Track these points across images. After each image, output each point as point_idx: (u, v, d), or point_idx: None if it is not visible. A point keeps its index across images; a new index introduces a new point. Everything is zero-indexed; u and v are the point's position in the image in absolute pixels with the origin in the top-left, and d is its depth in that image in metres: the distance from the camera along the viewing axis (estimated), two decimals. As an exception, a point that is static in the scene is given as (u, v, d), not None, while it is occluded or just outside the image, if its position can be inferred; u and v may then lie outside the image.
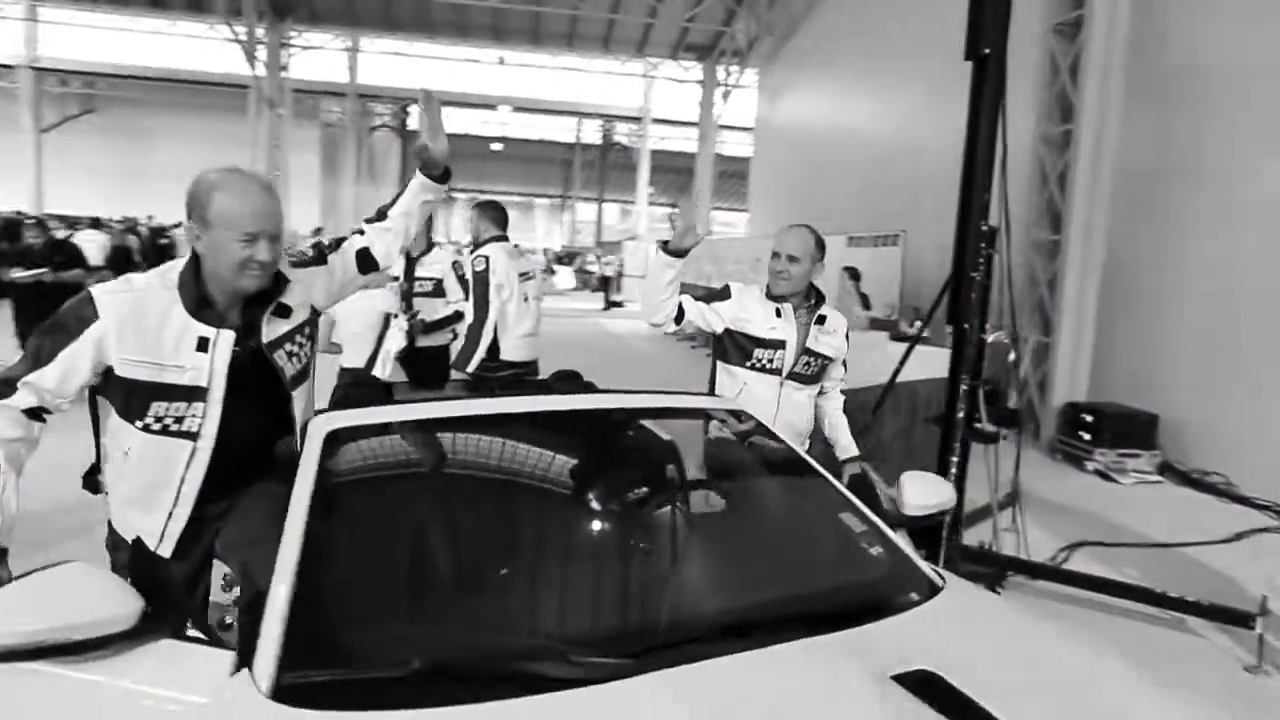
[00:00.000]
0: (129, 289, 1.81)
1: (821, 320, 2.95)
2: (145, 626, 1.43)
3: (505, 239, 4.50)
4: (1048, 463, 6.92)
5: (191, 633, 1.54)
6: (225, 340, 1.83)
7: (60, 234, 7.74)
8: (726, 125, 22.46)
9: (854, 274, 7.34)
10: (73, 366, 1.74)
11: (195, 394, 1.82)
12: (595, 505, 1.95)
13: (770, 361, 2.86)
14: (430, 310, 4.58)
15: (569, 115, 29.90)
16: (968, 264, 3.93)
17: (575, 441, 2.11)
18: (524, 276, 4.46)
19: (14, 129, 22.60)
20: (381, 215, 2.20)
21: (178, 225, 16.48)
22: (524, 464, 2.04)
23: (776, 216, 17.44)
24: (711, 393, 2.93)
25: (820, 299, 2.97)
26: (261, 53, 18.38)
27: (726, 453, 2.47)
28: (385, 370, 4.32)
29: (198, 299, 1.82)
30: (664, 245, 2.76)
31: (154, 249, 14.29)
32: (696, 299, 2.92)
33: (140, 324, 1.77)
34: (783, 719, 1.33)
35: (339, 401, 2.71)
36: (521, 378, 4.34)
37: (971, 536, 4.29)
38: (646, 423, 2.39)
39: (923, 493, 2.32)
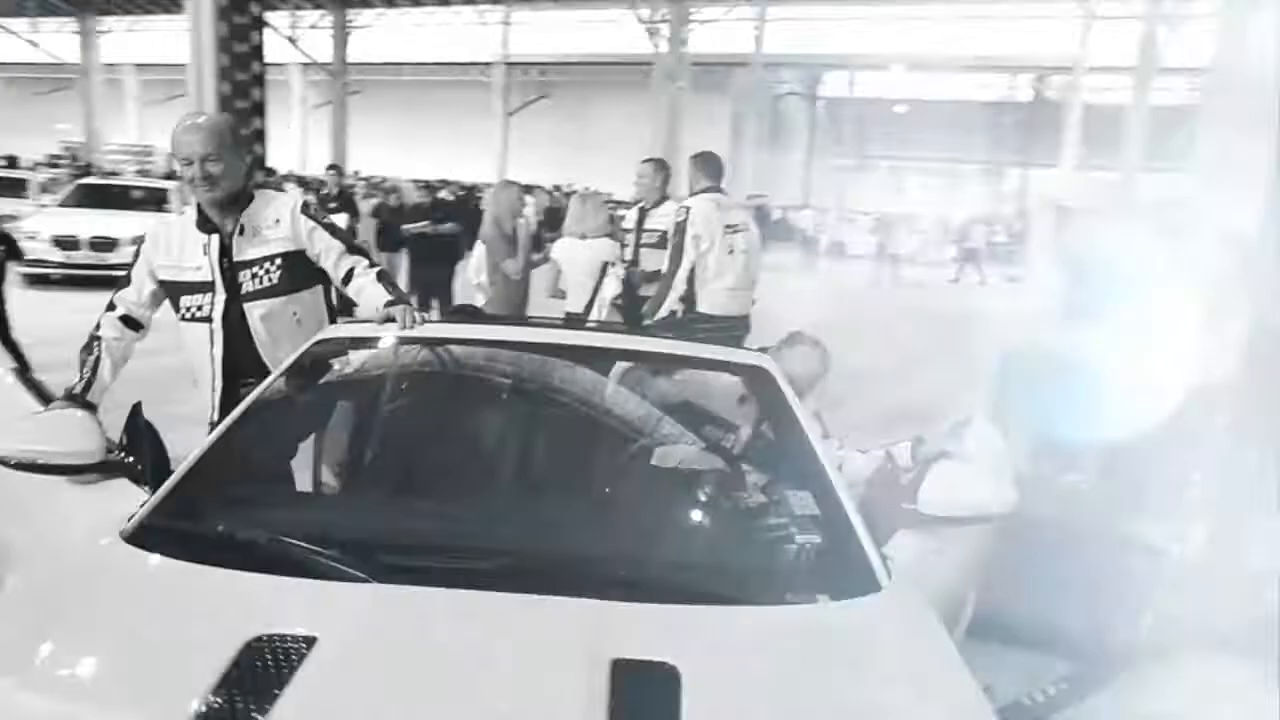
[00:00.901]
0: (166, 219, 2.49)
1: None
2: (107, 465, 1.83)
3: (718, 190, 4.41)
4: None
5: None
6: (214, 243, 2.35)
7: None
8: (1178, 68, 18.51)
9: None
10: (140, 280, 2.40)
11: (207, 287, 2.36)
12: (506, 433, 1.94)
13: None
14: (656, 261, 4.70)
15: (979, 71, 27.26)
16: None
17: (535, 371, 2.10)
18: (731, 229, 4.33)
19: (487, 114, 27.83)
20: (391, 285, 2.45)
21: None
22: (466, 384, 2.10)
23: (1229, 174, 13.94)
24: None
25: None
26: (666, 29, 19.96)
27: (708, 407, 2.22)
28: (601, 314, 4.57)
29: (201, 216, 2.36)
30: None
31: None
32: None
33: (167, 241, 2.38)
34: (443, 658, 1.29)
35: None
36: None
37: None
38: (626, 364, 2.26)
39: (947, 490, 1.85)
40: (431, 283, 8.14)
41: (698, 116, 23.65)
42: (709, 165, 4.47)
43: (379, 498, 1.79)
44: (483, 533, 1.67)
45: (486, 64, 27.64)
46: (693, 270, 4.26)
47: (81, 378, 2.29)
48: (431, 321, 2.32)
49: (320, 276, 2.51)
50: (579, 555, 1.58)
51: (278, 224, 2.39)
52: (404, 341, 2.17)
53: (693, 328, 4.30)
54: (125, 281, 2.43)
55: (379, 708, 1.17)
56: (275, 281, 2.39)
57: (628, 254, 4.89)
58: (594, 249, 4.60)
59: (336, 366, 2.17)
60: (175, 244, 2.39)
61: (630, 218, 4.97)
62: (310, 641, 1.26)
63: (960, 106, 31.10)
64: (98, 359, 2.32)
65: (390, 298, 2.33)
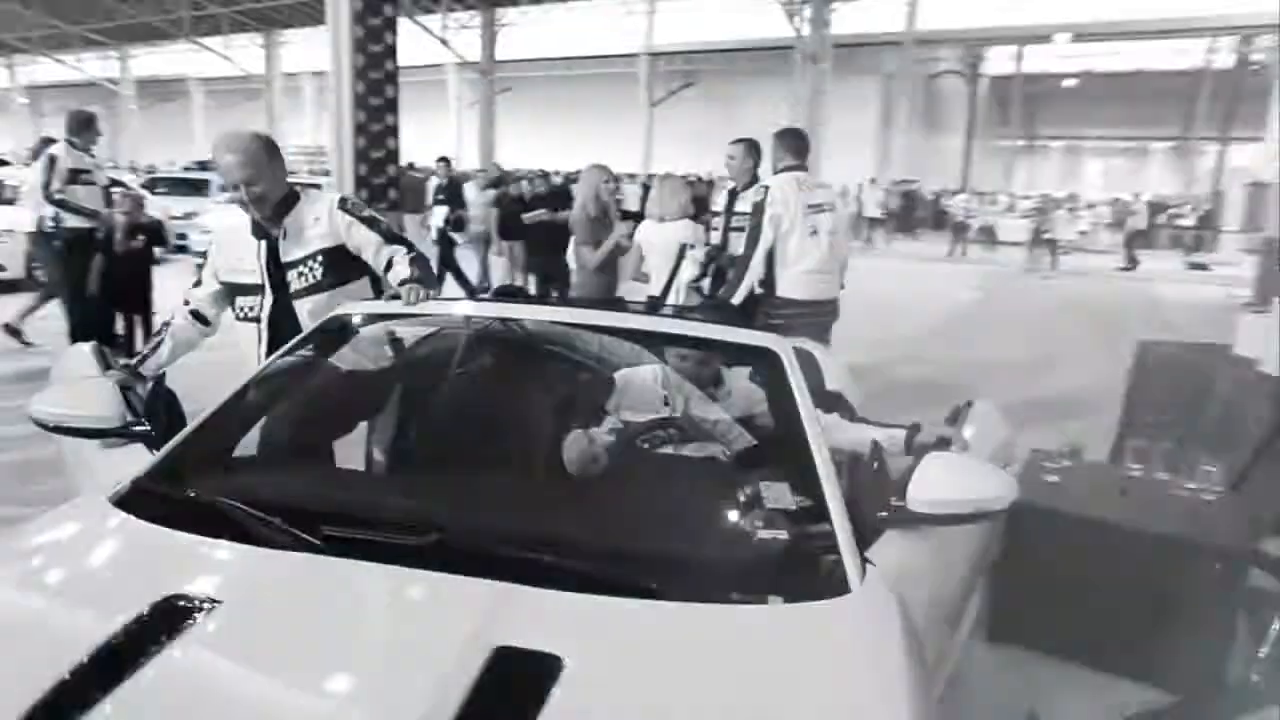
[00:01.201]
0: (230, 223, 2.61)
1: None
2: (126, 431, 1.97)
3: (801, 168, 4.20)
4: None
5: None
6: (263, 248, 2.47)
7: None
8: None
9: None
10: (208, 280, 2.58)
11: (258, 289, 2.48)
12: (485, 411, 1.92)
13: None
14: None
15: (1169, 36, 24.55)
16: None
17: (531, 349, 2.07)
18: (814, 208, 4.11)
19: (632, 105, 28.05)
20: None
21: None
22: (458, 361, 2.09)
23: None
24: None
25: None
26: (808, 11, 19.30)
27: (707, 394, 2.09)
28: (679, 298, 4.48)
29: (254, 223, 2.49)
30: None
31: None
32: None
33: (228, 244, 2.55)
34: (326, 629, 1.29)
35: None
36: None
37: None
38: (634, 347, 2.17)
39: (936, 483, 1.66)
40: (547, 268, 8.34)
41: (844, 100, 22.75)
42: (792, 142, 4.27)
43: (347, 471, 1.82)
44: (426, 510, 1.65)
45: (631, 55, 27.92)
46: (772, 253, 4.10)
47: (142, 353, 2.52)
48: (446, 300, 2.33)
49: (365, 269, 2.59)
50: (511, 538, 1.51)
51: (318, 222, 2.50)
52: (406, 319, 2.21)
53: (772, 313, 4.14)
54: (197, 281, 2.63)
55: (237, 669, 1.18)
56: (319, 278, 2.50)
57: (715, 237, 4.77)
58: (672, 231, 4.51)
59: (338, 344, 2.23)
60: (235, 248, 2.55)
61: (720, 200, 4.85)
62: (214, 604, 1.29)
63: (1143, 77, 28.24)
64: (160, 340, 2.54)
65: (405, 275, 2.36)
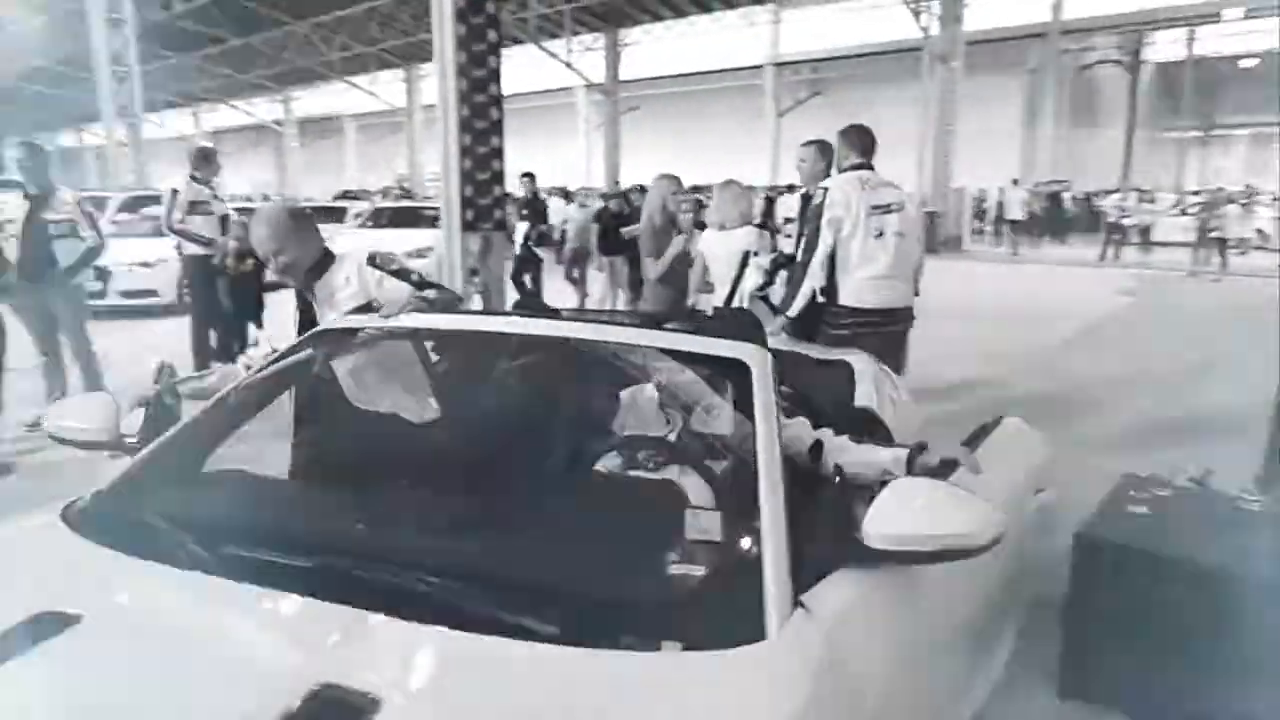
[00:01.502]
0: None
1: None
2: (120, 444, 2.02)
3: (867, 167, 3.90)
4: None
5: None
6: (297, 315, 2.59)
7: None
8: None
9: None
10: (262, 341, 2.61)
11: None
12: (443, 430, 1.82)
13: None
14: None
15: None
16: None
17: (522, 370, 1.97)
18: (879, 209, 3.79)
19: (758, 117, 27.73)
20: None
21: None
22: (441, 383, 2.00)
23: None
24: None
25: None
26: (936, 8, 18.36)
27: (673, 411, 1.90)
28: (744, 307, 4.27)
29: (297, 291, 2.59)
30: None
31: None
32: None
33: (277, 313, 2.52)
34: (157, 651, 1.26)
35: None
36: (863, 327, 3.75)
37: None
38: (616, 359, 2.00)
39: (896, 516, 1.41)
40: (641, 283, 8.28)
41: (983, 99, 21.55)
42: (856, 140, 3.98)
43: (270, 490, 1.77)
44: (312, 532, 1.58)
45: (757, 67, 27.64)
46: (833, 258, 3.81)
47: (187, 376, 2.62)
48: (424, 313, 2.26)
49: None
50: (386, 566, 1.40)
51: (348, 282, 2.51)
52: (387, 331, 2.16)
53: (833, 323, 3.85)
54: (256, 340, 2.73)
55: (59, 687, 1.17)
56: None
57: (787, 245, 4.54)
58: (734, 239, 4.31)
59: (306, 364, 2.21)
60: (280, 316, 2.61)
61: (794, 205, 4.61)
62: (74, 620, 1.27)
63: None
64: (210, 370, 2.64)
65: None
